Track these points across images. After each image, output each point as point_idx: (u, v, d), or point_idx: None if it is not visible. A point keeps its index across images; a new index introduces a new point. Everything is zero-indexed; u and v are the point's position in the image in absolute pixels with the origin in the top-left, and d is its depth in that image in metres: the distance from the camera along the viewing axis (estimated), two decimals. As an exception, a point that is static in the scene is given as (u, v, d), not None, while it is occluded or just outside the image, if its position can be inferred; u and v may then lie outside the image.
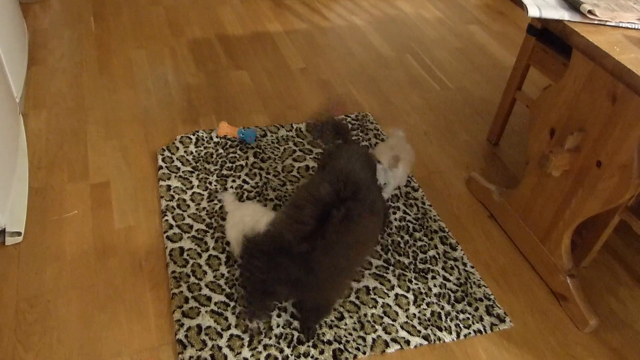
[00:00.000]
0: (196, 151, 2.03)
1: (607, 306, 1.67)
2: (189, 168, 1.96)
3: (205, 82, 2.44)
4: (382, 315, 1.57)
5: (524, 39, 1.97)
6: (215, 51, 2.66)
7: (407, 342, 1.51)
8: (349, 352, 1.47)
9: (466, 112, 2.42)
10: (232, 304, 1.55)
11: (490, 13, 3.25)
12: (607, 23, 1.37)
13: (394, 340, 1.51)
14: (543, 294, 1.69)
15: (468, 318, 1.59)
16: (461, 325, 1.57)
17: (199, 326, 1.49)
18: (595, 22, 1.37)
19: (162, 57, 2.58)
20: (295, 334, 1.49)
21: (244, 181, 1.93)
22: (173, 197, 1.85)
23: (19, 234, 1.67)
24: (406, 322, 1.55)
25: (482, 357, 1.51)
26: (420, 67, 2.69)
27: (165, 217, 1.77)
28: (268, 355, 1.44)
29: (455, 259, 1.75)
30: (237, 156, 2.03)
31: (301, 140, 2.14)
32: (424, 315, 1.58)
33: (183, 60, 2.57)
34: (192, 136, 2.09)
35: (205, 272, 1.62)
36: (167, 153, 2.01)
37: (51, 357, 1.40)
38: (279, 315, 1.53)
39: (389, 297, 1.62)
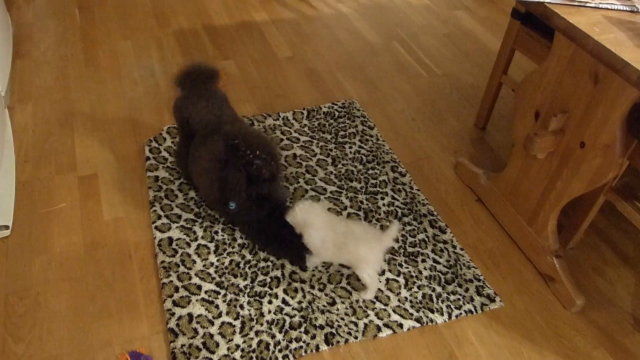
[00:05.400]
0: (184, 141, 2.03)
1: (593, 286, 1.70)
2: (177, 158, 1.97)
3: (192, 72, 2.43)
4: (374, 300, 1.58)
5: (508, 23, 1.98)
6: (201, 41, 2.65)
7: (400, 325, 1.52)
8: (341, 337, 1.48)
9: (453, 98, 2.43)
10: (222, 292, 1.56)
11: (476, -2, 3.25)
12: (587, 4, 1.38)
13: (386, 325, 1.52)
14: (530, 275, 1.71)
15: (459, 299, 1.61)
16: (452, 307, 1.58)
17: (189, 315, 1.49)
18: (576, 3, 1.38)
19: (148, 48, 2.57)
20: (287, 319, 1.51)
21: (233, 170, 1.93)
22: (161, 187, 1.85)
23: (6, 227, 1.67)
24: (398, 306, 1.57)
25: (472, 338, 1.53)
26: (407, 53, 2.69)
27: (154, 208, 1.77)
28: (260, 341, 1.45)
29: (444, 242, 1.76)
30: (225, 146, 2.03)
31: (288, 129, 2.14)
32: (416, 298, 1.60)
33: (169, 51, 2.56)
34: (179, 127, 2.09)
35: (194, 261, 1.63)
36: (154, 144, 2.01)
37: (41, 348, 1.41)
38: (270, 302, 1.54)
39: (380, 281, 1.63)
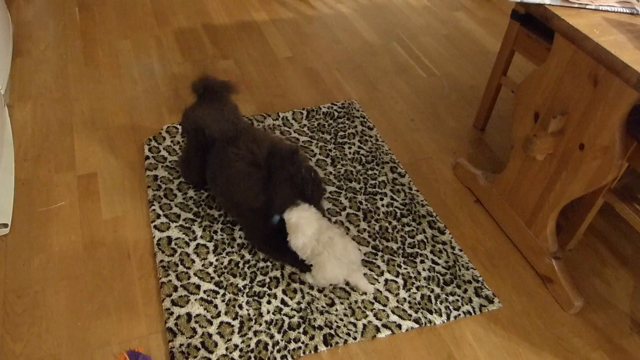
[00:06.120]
0: (183, 141, 2.03)
1: (592, 287, 1.70)
2: (175, 158, 1.96)
3: (191, 71, 2.43)
4: (373, 301, 1.58)
5: (508, 25, 1.98)
6: (201, 40, 2.65)
7: (399, 326, 1.52)
8: (340, 337, 1.48)
9: (452, 99, 2.43)
10: (221, 291, 1.56)
11: (476, -1, 3.26)
12: (587, 6, 1.38)
13: (385, 325, 1.52)
14: (529, 276, 1.71)
15: (457, 300, 1.61)
16: (451, 307, 1.58)
17: (188, 314, 1.49)
18: (575, 5, 1.38)
19: (148, 47, 2.56)
20: (286, 319, 1.51)
21: (232, 170, 1.93)
22: (160, 186, 1.84)
23: (5, 225, 1.67)
24: (397, 307, 1.57)
25: (470, 340, 1.53)
26: (407, 54, 2.70)
27: (153, 207, 1.77)
28: (258, 341, 1.45)
29: (443, 243, 1.76)
30: (225, 145, 2.03)
31: (288, 129, 2.14)
32: (414, 299, 1.60)
33: (169, 50, 2.55)
34: (178, 126, 2.09)
35: (193, 261, 1.63)
36: (153, 143, 2.01)
37: (40, 346, 1.41)
38: (269, 302, 1.54)
39: (379, 282, 1.63)
